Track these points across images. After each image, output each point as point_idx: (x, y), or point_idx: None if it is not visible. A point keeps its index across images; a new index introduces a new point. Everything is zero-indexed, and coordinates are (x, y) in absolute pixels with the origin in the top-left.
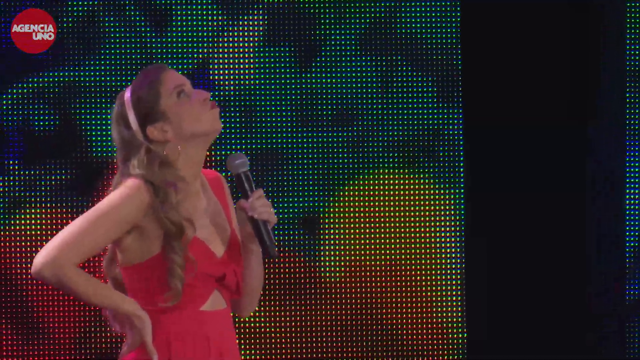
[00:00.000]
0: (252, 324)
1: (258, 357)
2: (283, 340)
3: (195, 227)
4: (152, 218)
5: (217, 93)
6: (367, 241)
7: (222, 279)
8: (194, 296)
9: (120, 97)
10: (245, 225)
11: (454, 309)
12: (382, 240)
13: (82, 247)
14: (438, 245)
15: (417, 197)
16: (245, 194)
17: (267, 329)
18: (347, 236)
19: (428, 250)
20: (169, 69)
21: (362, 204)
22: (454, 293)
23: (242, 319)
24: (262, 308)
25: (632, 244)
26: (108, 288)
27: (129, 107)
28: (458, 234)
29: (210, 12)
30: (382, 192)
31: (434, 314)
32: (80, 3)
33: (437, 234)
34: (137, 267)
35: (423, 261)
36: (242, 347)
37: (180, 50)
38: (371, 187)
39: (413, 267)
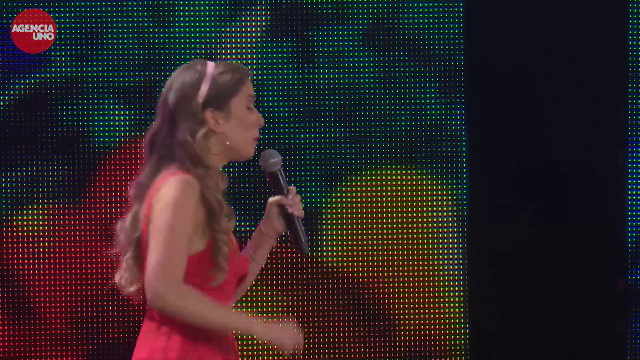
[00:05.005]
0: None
1: (257, 350)
2: None
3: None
4: (201, 211)
5: None
6: (370, 236)
7: (244, 278)
8: (227, 293)
9: (200, 65)
10: (275, 222)
11: (457, 304)
12: (385, 235)
13: (179, 267)
14: (441, 240)
15: (419, 193)
16: (282, 191)
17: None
18: (349, 231)
19: (430, 246)
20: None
21: (364, 199)
22: (456, 288)
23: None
24: (262, 302)
25: (633, 238)
26: (220, 307)
27: (207, 79)
28: (460, 229)
29: (212, 6)
30: (384, 188)
31: (437, 309)
32: (80, 3)
33: (440, 229)
34: None
35: (425, 256)
36: (241, 339)
37: (182, 45)
38: (374, 183)
39: (415, 262)
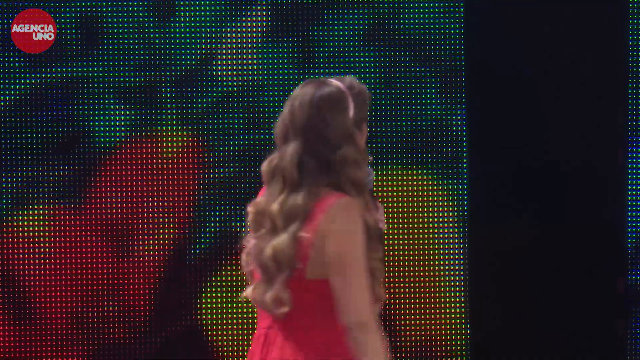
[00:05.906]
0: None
1: None
2: None
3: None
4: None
5: (219, 88)
6: None
7: None
8: None
9: (335, 83)
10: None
11: (457, 304)
12: (385, 235)
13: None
14: (441, 240)
15: (420, 192)
16: (372, 207)
17: None
18: None
19: (431, 245)
20: None
21: None
22: (456, 288)
23: (248, 314)
24: None
25: (633, 238)
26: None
27: (350, 100)
28: (461, 229)
29: (212, 6)
30: (385, 187)
31: (437, 309)
32: (80, 3)
33: (440, 229)
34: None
35: (426, 256)
36: (240, 340)
37: (182, 45)
38: (374, 182)
39: (416, 261)
